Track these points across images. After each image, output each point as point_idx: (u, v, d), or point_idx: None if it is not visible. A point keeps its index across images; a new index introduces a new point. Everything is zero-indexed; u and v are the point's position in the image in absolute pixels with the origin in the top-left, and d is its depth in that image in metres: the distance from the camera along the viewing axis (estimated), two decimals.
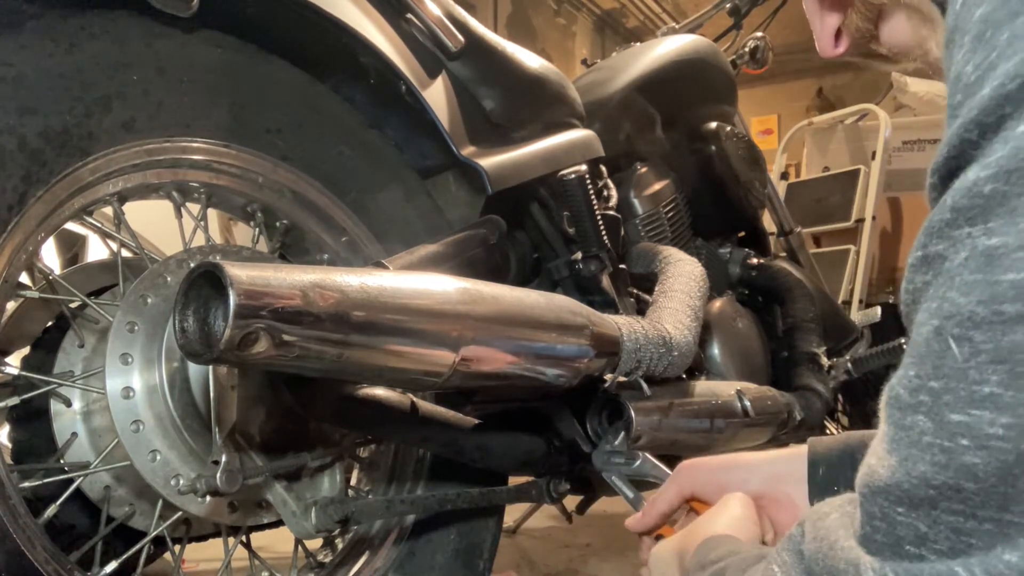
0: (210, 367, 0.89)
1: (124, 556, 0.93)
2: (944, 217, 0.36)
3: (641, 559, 0.82)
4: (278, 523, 1.02)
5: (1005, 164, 0.33)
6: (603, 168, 1.50)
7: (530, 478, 1.18)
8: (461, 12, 1.21)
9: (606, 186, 1.50)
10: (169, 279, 0.94)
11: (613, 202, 1.49)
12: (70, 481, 0.93)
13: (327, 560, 1.14)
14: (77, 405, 0.98)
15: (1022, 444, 0.32)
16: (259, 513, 1.00)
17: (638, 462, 1.06)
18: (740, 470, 0.78)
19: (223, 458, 0.87)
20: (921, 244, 0.38)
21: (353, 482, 1.22)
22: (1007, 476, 0.33)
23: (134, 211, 1.00)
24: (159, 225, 1.17)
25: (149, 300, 0.92)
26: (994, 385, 0.33)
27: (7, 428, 1.05)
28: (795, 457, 0.76)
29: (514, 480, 1.21)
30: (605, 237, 1.29)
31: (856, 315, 2.17)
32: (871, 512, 0.40)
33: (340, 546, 1.16)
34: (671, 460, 1.02)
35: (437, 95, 1.16)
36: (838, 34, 0.67)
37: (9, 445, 1.03)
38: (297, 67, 1.07)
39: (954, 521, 0.35)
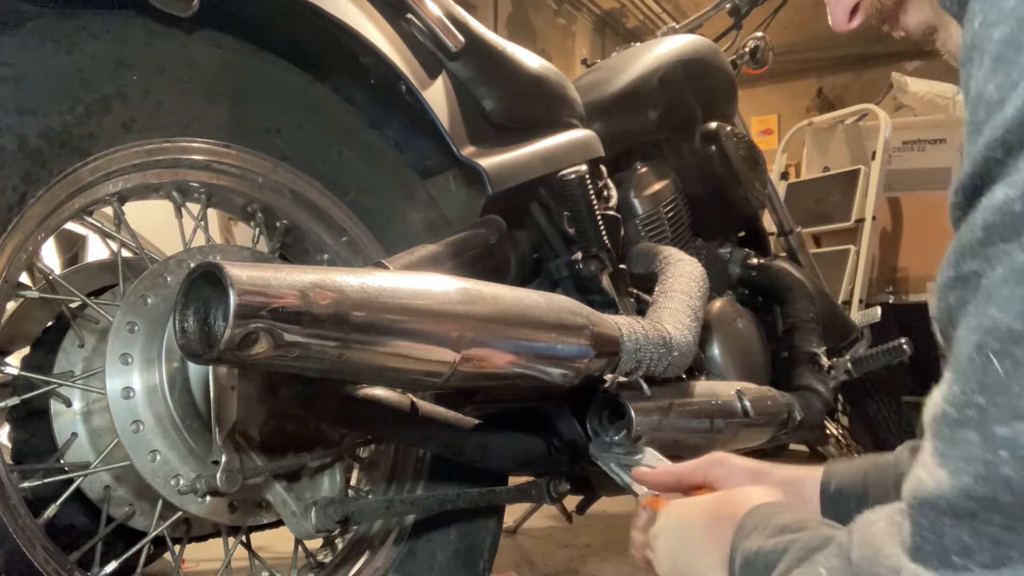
0: (210, 367, 0.89)
1: (124, 556, 0.93)
2: (976, 236, 0.37)
3: (634, 525, 0.82)
4: (278, 523, 1.02)
5: None
6: (603, 168, 1.50)
7: (530, 478, 1.18)
8: (461, 12, 1.21)
9: (606, 186, 1.50)
10: (169, 279, 0.94)
11: (613, 202, 1.49)
12: (70, 481, 0.93)
13: (327, 560, 1.14)
14: (77, 405, 0.98)
15: None
16: (259, 513, 1.00)
17: (639, 456, 1.05)
18: (766, 476, 0.81)
19: (223, 458, 0.87)
20: (953, 263, 0.39)
21: (353, 482, 1.22)
22: None
23: (134, 211, 1.00)
24: (159, 225, 1.17)
25: (149, 300, 0.92)
26: None
27: (7, 428, 1.05)
28: (815, 479, 0.79)
29: (514, 480, 1.21)
30: (605, 237, 1.29)
31: (856, 315, 2.17)
32: (919, 523, 0.41)
33: (340, 546, 1.16)
34: (671, 461, 1.02)
35: (437, 95, 1.16)
36: (854, 9, 0.67)
37: (9, 445, 1.03)
38: (297, 67, 1.07)
39: (994, 533, 0.36)
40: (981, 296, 0.37)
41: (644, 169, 1.69)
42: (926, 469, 0.41)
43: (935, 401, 0.41)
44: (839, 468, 0.81)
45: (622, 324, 1.09)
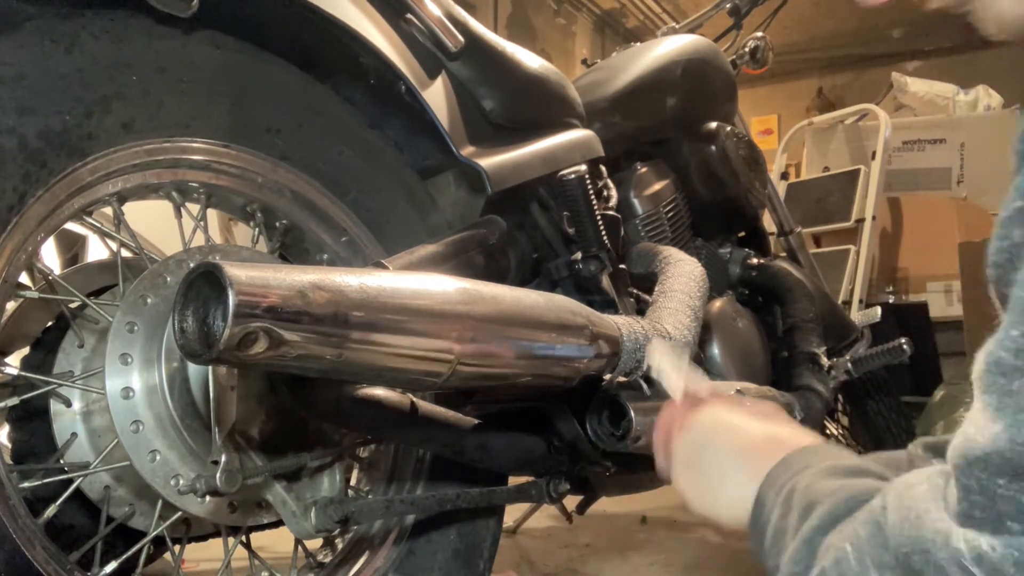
0: (209, 367, 0.89)
1: (124, 556, 0.93)
2: None
3: (669, 407, 0.80)
4: (278, 523, 1.02)
5: None
6: (603, 168, 1.50)
7: (530, 478, 1.18)
8: (461, 12, 1.21)
9: (606, 186, 1.50)
10: (169, 279, 0.94)
11: (613, 202, 1.49)
12: (70, 481, 0.93)
13: (327, 560, 1.14)
14: (77, 405, 0.98)
15: None
16: (259, 513, 1.00)
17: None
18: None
19: (223, 458, 0.87)
20: (1022, 192, 0.35)
21: (353, 482, 1.22)
22: None
23: (134, 211, 1.00)
24: (159, 225, 1.17)
25: (149, 300, 0.92)
26: None
27: (7, 428, 1.05)
28: None
29: (514, 480, 1.21)
30: (605, 237, 1.29)
31: (856, 315, 2.17)
32: (967, 486, 0.37)
33: (340, 546, 1.16)
34: None
35: (437, 95, 1.16)
36: None
37: (9, 445, 1.03)
38: (297, 67, 1.07)
39: None
40: None
41: (644, 169, 1.69)
42: (975, 425, 0.37)
43: (986, 352, 0.37)
44: None
45: (622, 324, 1.09)
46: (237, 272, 0.66)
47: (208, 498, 0.92)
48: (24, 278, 0.98)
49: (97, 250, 2.06)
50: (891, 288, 3.69)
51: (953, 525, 0.37)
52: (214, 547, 1.10)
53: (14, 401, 0.95)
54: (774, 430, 0.68)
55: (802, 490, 0.55)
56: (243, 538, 1.06)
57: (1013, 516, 0.34)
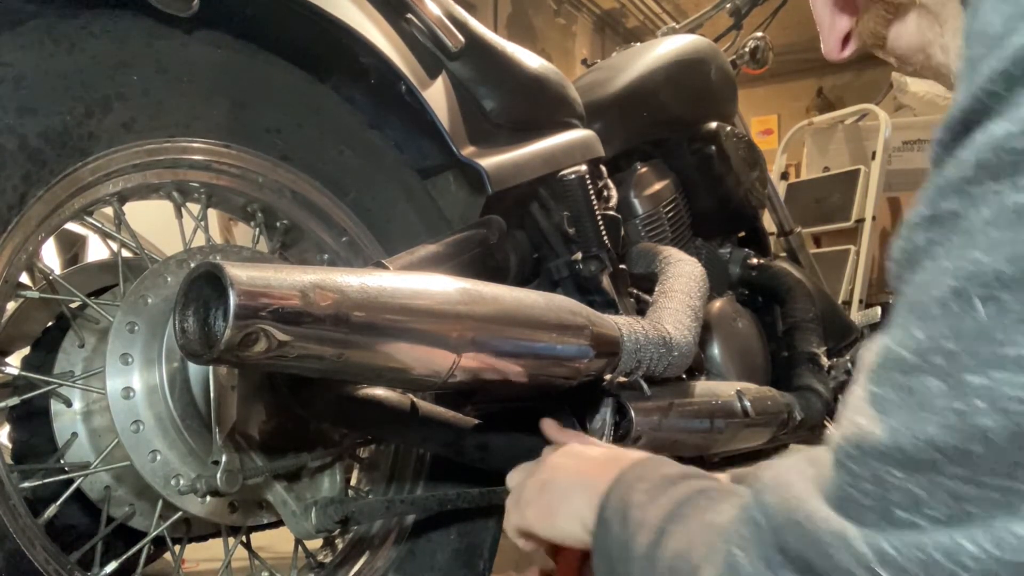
0: (210, 367, 0.89)
1: (124, 556, 0.93)
2: (963, 174, 0.35)
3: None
4: (278, 523, 1.02)
5: None
6: (603, 168, 1.50)
7: None
8: (461, 12, 1.21)
9: (606, 186, 1.50)
10: (169, 279, 0.94)
11: (613, 202, 1.49)
12: (70, 481, 0.93)
13: (327, 560, 1.14)
14: (77, 405, 0.98)
15: None
16: (259, 513, 1.00)
17: None
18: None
19: (223, 458, 0.87)
20: (929, 202, 0.37)
21: (353, 482, 1.22)
22: (1020, 442, 0.32)
23: (134, 211, 1.00)
24: (159, 225, 1.17)
25: (149, 300, 0.92)
26: (1021, 347, 0.32)
27: (7, 428, 1.05)
28: None
29: None
30: (605, 237, 1.29)
31: (856, 315, 2.17)
32: (858, 474, 0.38)
33: (340, 546, 1.16)
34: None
35: (437, 95, 1.16)
36: (846, 37, 0.67)
37: (9, 445, 1.03)
38: (297, 67, 1.07)
39: (955, 487, 0.34)
40: (959, 238, 0.35)
41: (644, 169, 1.69)
42: (866, 416, 0.38)
43: (881, 344, 0.39)
44: None
45: (622, 324, 1.09)
46: (238, 272, 0.66)
47: (208, 498, 0.92)
48: (24, 278, 0.98)
49: (97, 250, 2.06)
50: (891, 288, 3.69)
51: (846, 523, 0.38)
52: (214, 547, 1.09)
53: (14, 401, 0.95)
54: (612, 452, 0.72)
55: (638, 505, 0.58)
56: (243, 538, 1.06)
57: (903, 506, 0.36)
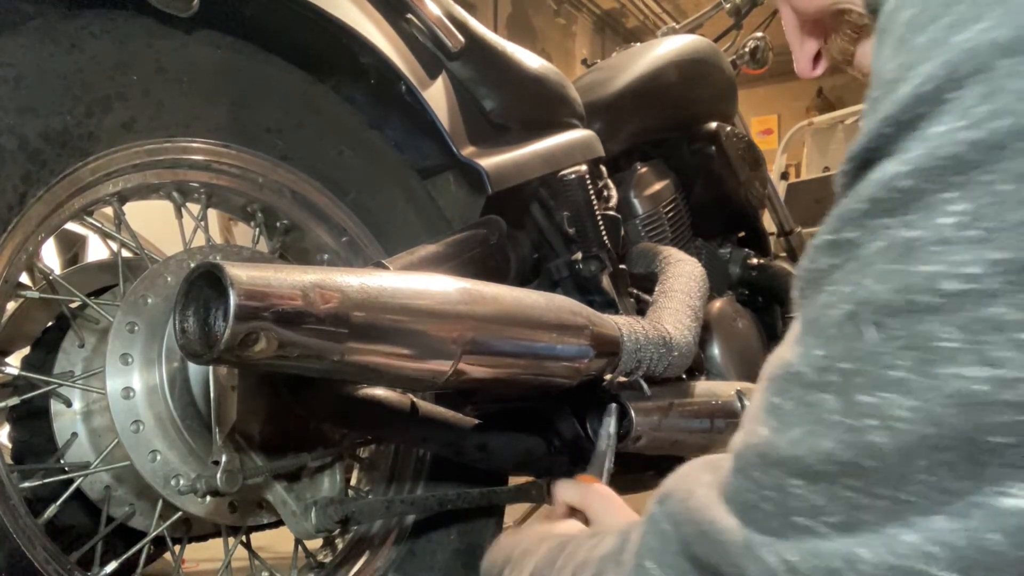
0: (210, 367, 0.89)
1: (124, 556, 0.93)
2: (860, 207, 0.37)
3: None
4: (278, 523, 1.02)
5: (922, 163, 0.34)
6: (603, 168, 1.50)
7: (530, 478, 1.18)
8: (461, 12, 1.21)
9: (606, 186, 1.50)
10: (169, 279, 0.94)
11: (613, 202, 1.49)
12: (70, 481, 0.93)
13: (327, 560, 1.14)
14: (77, 405, 0.98)
15: (924, 428, 0.34)
16: (259, 513, 1.00)
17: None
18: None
19: (223, 458, 0.87)
20: (832, 228, 0.39)
21: (353, 482, 1.22)
22: (907, 456, 0.34)
23: (134, 211, 1.00)
24: (159, 225, 1.17)
25: (149, 300, 0.92)
26: (904, 370, 0.34)
27: (7, 428, 1.05)
28: None
29: (514, 480, 1.21)
30: (605, 237, 1.29)
31: None
32: (760, 481, 0.40)
33: (340, 546, 1.16)
34: (671, 460, 1.02)
35: (437, 95, 1.16)
36: (817, 56, 0.69)
37: (9, 445, 1.03)
38: (297, 67, 1.07)
39: (851, 496, 0.36)
40: (855, 265, 0.37)
41: (644, 169, 1.69)
42: (766, 426, 0.40)
43: (783, 358, 0.41)
44: None
45: (622, 324, 1.09)
46: (238, 272, 0.66)
47: (208, 498, 0.92)
48: (24, 278, 0.98)
49: (97, 250, 2.06)
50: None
51: (747, 531, 0.40)
52: (214, 547, 1.09)
53: (15, 401, 0.95)
54: (548, 529, 0.74)
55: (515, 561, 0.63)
56: (243, 538, 1.06)
57: (801, 512, 0.38)
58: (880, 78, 0.38)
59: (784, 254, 2.14)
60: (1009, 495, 0.33)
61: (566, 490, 0.83)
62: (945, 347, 0.33)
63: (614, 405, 1.09)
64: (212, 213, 1.16)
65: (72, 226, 1.60)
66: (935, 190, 0.34)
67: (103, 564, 0.93)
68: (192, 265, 0.82)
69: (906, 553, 0.35)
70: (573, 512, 0.82)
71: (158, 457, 0.90)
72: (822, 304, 0.39)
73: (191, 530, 1.04)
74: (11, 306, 1.00)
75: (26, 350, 1.05)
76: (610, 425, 1.07)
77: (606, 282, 1.30)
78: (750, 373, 1.61)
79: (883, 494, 0.35)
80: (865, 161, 0.38)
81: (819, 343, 0.38)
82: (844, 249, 0.38)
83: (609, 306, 1.28)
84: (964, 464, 0.33)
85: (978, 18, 0.34)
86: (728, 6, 2.14)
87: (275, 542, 1.38)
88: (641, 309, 1.37)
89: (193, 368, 0.92)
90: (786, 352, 0.41)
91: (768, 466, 0.40)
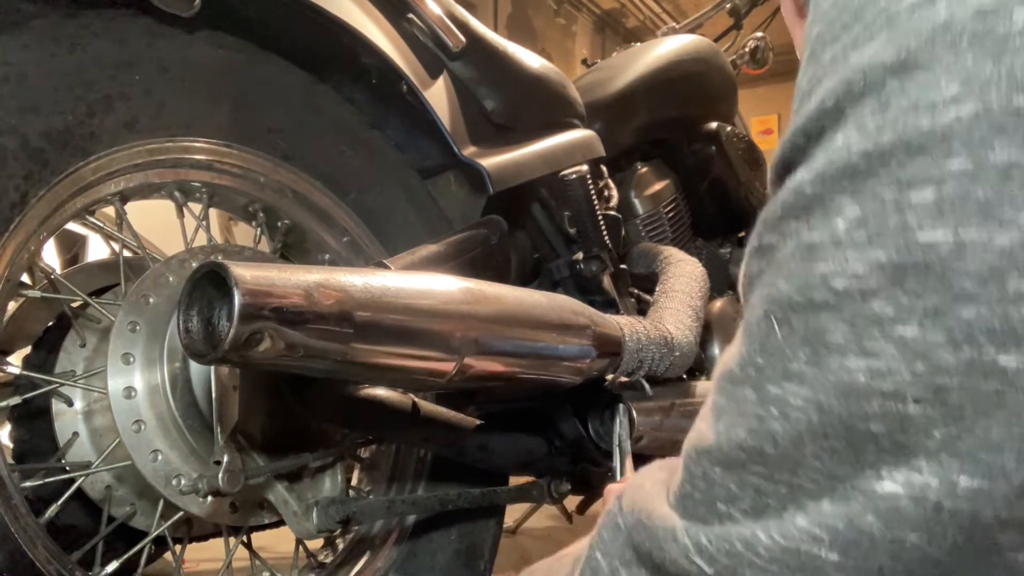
0: (212, 367, 0.89)
1: (125, 556, 0.93)
2: (777, 212, 0.40)
3: None
4: (279, 523, 1.02)
5: (823, 170, 0.37)
6: (604, 168, 1.50)
7: (531, 478, 1.18)
8: (462, 12, 1.21)
9: (607, 186, 1.50)
10: (171, 279, 0.94)
11: (614, 202, 1.50)
12: (71, 481, 0.93)
13: (328, 560, 1.14)
14: (78, 405, 0.98)
15: (813, 416, 0.36)
16: (260, 513, 1.00)
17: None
18: None
19: (225, 458, 0.87)
20: (758, 234, 0.42)
21: (354, 482, 1.22)
22: (798, 443, 0.37)
23: (135, 211, 1.00)
24: (160, 225, 1.17)
25: (151, 300, 0.92)
26: (801, 362, 0.37)
27: (8, 428, 1.05)
28: None
29: (515, 480, 1.21)
30: (606, 237, 1.29)
31: None
32: (694, 472, 0.43)
33: (341, 546, 1.16)
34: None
35: (438, 95, 1.16)
36: None
37: (10, 445, 1.03)
38: (298, 67, 1.07)
39: (757, 482, 0.39)
40: (773, 267, 0.40)
41: (644, 169, 1.69)
42: (706, 422, 0.43)
43: (723, 361, 0.44)
44: None
45: (624, 324, 1.09)
46: (242, 272, 0.66)
47: (210, 498, 0.92)
48: (25, 277, 0.98)
49: (97, 250, 2.06)
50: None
51: (676, 518, 0.43)
52: (215, 547, 1.09)
53: (16, 400, 0.94)
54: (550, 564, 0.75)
55: None
56: (244, 538, 1.06)
57: (722, 499, 0.41)
58: (799, 89, 0.41)
59: None
60: (883, 479, 0.35)
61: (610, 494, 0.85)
62: (834, 341, 0.36)
63: (622, 406, 1.09)
64: (212, 213, 1.16)
65: (73, 226, 1.60)
66: (833, 196, 0.36)
67: (104, 564, 0.93)
68: (194, 265, 0.82)
69: (797, 536, 0.37)
70: None
71: (159, 457, 0.90)
72: (751, 306, 0.42)
73: (192, 530, 1.03)
74: (12, 305, 1.00)
75: (27, 349, 1.05)
76: (622, 426, 1.08)
77: (607, 282, 1.30)
78: None
79: (781, 479, 0.38)
80: (784, 169, 0.40)
81: (744, 341, 0.41)
82: (767, 253, 0.41)
83: (610, 306, 1.28)
84: (846, 450, 0.36)
85: (870, 39, 0.36)
86: (728, 6, 2.14)
87: (276, 542, 1.38)
88: (642, 309, 1.37)
89: (195, 368, 0.92)
90: (727, 354, 0.44)
91: (699, 457, 0.43)
